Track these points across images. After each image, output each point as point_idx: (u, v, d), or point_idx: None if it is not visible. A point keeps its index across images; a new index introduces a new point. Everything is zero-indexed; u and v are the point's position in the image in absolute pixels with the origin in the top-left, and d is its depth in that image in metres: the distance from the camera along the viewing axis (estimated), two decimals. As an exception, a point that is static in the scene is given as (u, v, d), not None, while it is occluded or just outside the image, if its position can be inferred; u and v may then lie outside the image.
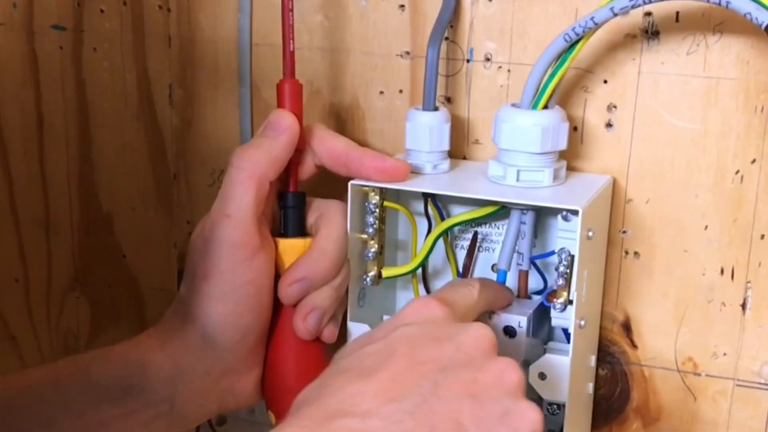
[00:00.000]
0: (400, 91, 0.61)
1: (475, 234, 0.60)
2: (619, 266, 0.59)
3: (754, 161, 0.55)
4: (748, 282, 0.57)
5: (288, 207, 0.56)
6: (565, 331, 0.56)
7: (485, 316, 0.54)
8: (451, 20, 0.58)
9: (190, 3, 0.65)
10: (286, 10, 0.55)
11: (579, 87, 0.57)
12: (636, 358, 0.60)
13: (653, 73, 0.56)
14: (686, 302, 0.58)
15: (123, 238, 0.73)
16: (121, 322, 0.75)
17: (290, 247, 0.56)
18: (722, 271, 0.57)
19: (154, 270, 0.72)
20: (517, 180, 0.54)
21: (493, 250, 0.60)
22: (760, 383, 0.58)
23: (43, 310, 0.77)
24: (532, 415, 0.41)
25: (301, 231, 0.57)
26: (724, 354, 0.58)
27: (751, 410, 0.58)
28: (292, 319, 0.56)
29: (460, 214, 0.58)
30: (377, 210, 0.56)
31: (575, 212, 0.50)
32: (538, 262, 0.57)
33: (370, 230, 0.56)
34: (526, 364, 0.54)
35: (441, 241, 0.58)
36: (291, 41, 0.55)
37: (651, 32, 0.55)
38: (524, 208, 0.55)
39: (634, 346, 0.60)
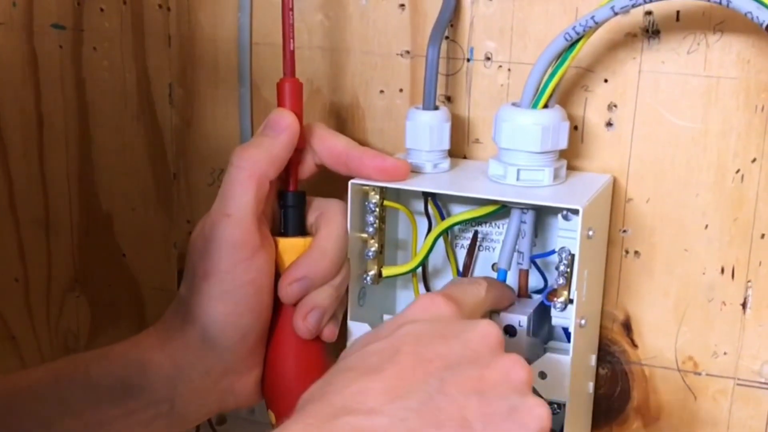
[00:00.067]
0: (401, 90, 0.61)
1: (476, 233, 0.60)
2: (619, 265, 0.59)
3: (754, 160, 0.55)
4: (749, 281, 0.57)
5: (288, 206, 0.56)
6: (566, 331, 0.56)
7: (487, 315, 0.54)
8: (451, 19, 0.58)
9: (190, 2, 0.65)
10: (286, 9, 0.55)
11: (579, 86, 0.57)
12: (636, 357, 0.60)
13: (654, 72, 0.56)
14: (686, 301, 0.58)
15: (123, 238, 0.73)
16: (121, 321, 0.75)
17: (290, 246, 0.56)
18: (722, 271, 0.57)
19: (154, 270, 0.72)
20: (518, 179, 0.54)
21: (494, 249, 0.60)
22: (761, 382, 0.58)
23: (43, 310, 0.77)
24: (540, 411, 0.41)
25: (301, 230, 0.57)
26: (725, 353, 0.58)
27: (752, 409, 0.58)
28: (292, 318, 0.55)
29: (460, 213, 0.58)
30: (377, 209, 0.56)
31: (575, 211, 0.50)
32: (538, 261, 0.57)
33: (371, 229, 0.56)
34: (526, 364, 0.54)
35: (441, 240, 0.58)
36: (291, 40, 0.55)
37: (651, 31, 0.55)
38: (524, 208, 0.55)
39: (634, 345, 0.60)
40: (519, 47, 0.58)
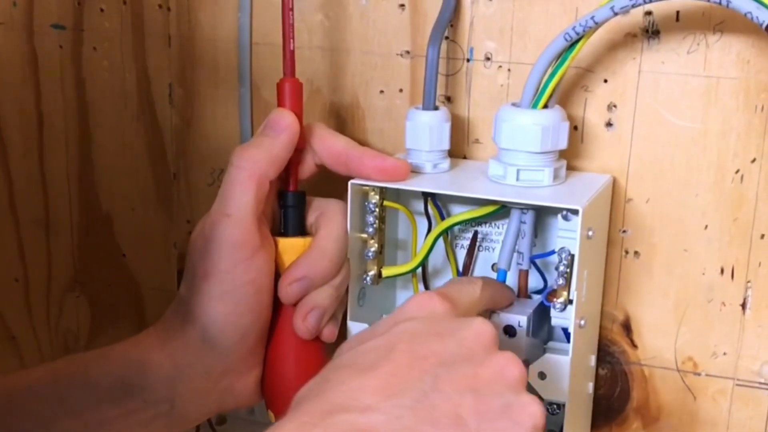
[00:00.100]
0: (400, 91, 0.61)
1: (475, 233, 0.60)
2: (619, 266, 0.59)
3: (754, 160, 0.55)
4: (748, 282, 0.57)
5: (288, 206, 0.56)
6: (565, 331, 0.56)
7: (486, 315, 0.54)
8: (451, 19, 0.58)
9: (190, 2, 0.65)
10: (286, 9, 0.55)
11: (579, 86, 0.57)
12: (636, 357, 0.60)
13: (653, 72, 0.56)
14: (686, 302, 0.58)
15: (123, 238, 0.73)
16: (121, 322, 0.75)
17: (290, 246, 0.56)
18: (722, 271, 0.57)
19: (154, 270, 0.72)
20: (517, 179, 0.54)
21: (493, 249, 0.59)
22: (760, 383, 0.58)
23: (42, 310, 0.77)
24: (534, 408, 0.41)
25: (301, 230, 0.57)
26: (724, 354, 0.58)
27: (751, 410, 0.58)
28: (292, 318, 0.55)
29: (460, 213, 0.58)
30: (377, 209, 0.56)
31: (575, 212, 0.50)
32: (538, 261, 0.57)
33: (370, 229, 0.56)
34: (526, 364, 0.54)
35: (441, 240, 0.58)
36: (291, 40, 0.55)
37: (651, 31, 0.55)
38: (524, 208, 0.55)
39: (634, 345, 0.60)
40: (519, 47, 0.58)
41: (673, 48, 0.55)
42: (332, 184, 0.57)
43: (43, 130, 0.72)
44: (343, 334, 0.57)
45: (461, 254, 0.60)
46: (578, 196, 0.52)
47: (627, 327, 0.60)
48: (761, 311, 0.57)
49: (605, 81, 0.57)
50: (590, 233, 0.52)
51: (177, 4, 0.65)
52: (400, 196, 0.58)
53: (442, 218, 0.58)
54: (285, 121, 0.54)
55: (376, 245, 0.56)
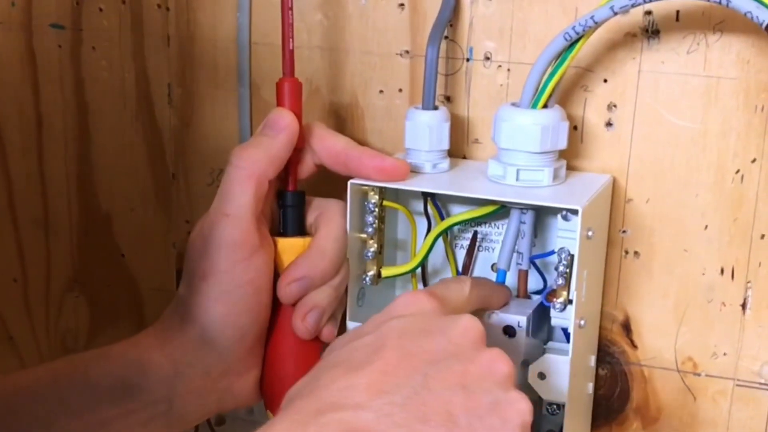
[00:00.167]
0: (400, 90, 0.61)
1: (475, 233, 0.59)
2: (618, 266, 0.59)
3: (754, 161, 0.55)
4: (748, 282, 0.56)
5: (287, 206, 0.56)
6: (565, 331, 0.55)
7: (484, 315, 0.54)
8: (450, 19, 0.58)
9: (189, 2, 0.65)
10: (286, 9, 0.55)
11: (579, 86, 0.57)
12: (636, 358, 0.60)
13: (653, 72, 0.55)
14: (686, 302, 0.58)
15: (122, 238, 0.72)
16: (120, 322, 0.74)
17: (289, 246, 0.56)
18: (722, 271, 0.57)
19: (153, 270, 0.72)
20: (517, 179, 0.54)
21: (493, 249, 0.59)
22: (760, 383, 0.58)
23: (41, 310, 0.77)
24: (522, 405, 0.41)
25: (301, 230, 0.57)
26: (724, 354, 0.58)
27: (751, 410, 0.58)
28: (291, 318, 0.55)
29: (459, 213, 0.58)
30: (376, 209, 0.56)
31: (575, 212, 0.50)
32: (537, 261, 0.57)
33: (370, 229, 0.56)
34: (525, 364, 0.54)
35: (440, 240, 0.58)
36: (290, 40, 0.55)
37: (651, 31, 0.55)
38: (524, 208, 0.55)
39: (633, 346, 0.60)
40: (518, 47, 0.58)
41: (673, 48, 0.55)
42: (332, 183, 0.57)
43: (42, 130, 0.72)
44: (342, 334, 0.57)
45: (461, 254, 0.60)
46: (578, 196, 0.52)
47: (627, 327, 0.60)
48: (761, 311, 0.57)
49: (605, 81, 0.57)
50: (590, 233, 0.52)
51: (176, 3, 0.65)
52: (399, 196, 0.58)
53: (442, 218, 0.58)
54: (284, 120, 0.54)
55: (376, 245, 0.56)
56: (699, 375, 0.59)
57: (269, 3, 0.62)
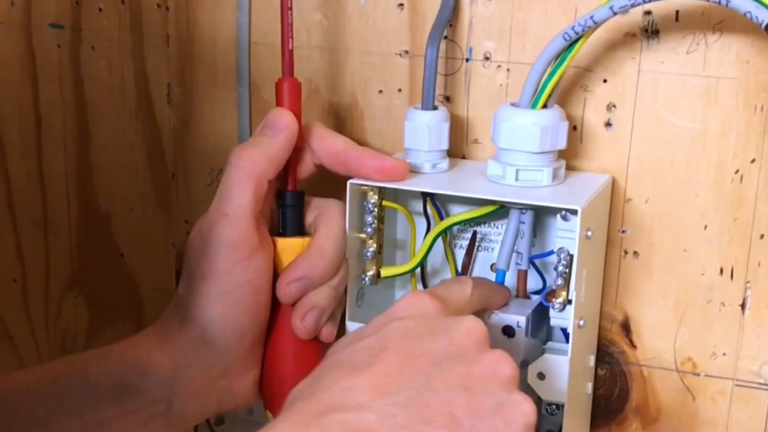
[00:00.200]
0: (399, 90, 0.61)
1: (474, 233, 0.59)
2: (618, 266, 0.59)
3: (753, 161, 0.55)
4: (748, 282, 0.56)
5: (286, 206, 0.56)
6: (564, 331, 0.55)
7: (484, 315, 0.54)
8: (450, 19, 0.58)
9: (189, 1, 0.65)
10: (285, 9, 0.54)
11: (578, 86, 0.57)
12: (635, 358, 0.60)
13: (653, 72, 0.55)
14: (686, 302, 0.58)
15: (121, 238, 0.72)
16: (119, 322, 0.74)
17: (289, 246, 0.56)
18: (722, 271, 0.57)
19: (153, 270, 0.72)
20: (516, 179, 0.54)
21: (492, 249, 0.59)
22: (760, 383, 0.58)
23: (41, 310, 0.77)
24: (526, 406, 0.41)
25: (300, 230, 0.57)
26: (724, 354, 0.58)
27: (751, 410, 0.58)
28: (290, 318, 0.55)
29: (459, 213, 0.58)
30: (376, 209, 0.56)
31: (574, 212, 0.50)
32: (537, 261, 0.57)
33: (369, 229, 0.56)
34: (524, 364, 0.54)
35: (440, 240, 0.58)
36: (290, 40, 0.55)
37: (651, 31, 0.55)
38: (523, 208, 0.55)
39: (633, 346, 0.60)
40: (518, 47, 0.58)
41: (672, 48, 0.55)
42: (331, 183, 0.57)
43: (41, 130, 0.72)
44: (341, 334, 0.57)
45: (460, 254, 0.60)
46: (577, 196, 0.52)
47: (626, 327, 0.60)
48: (761, 311, 0.57)
49: (604, 81, 0.57)
50: (589, 233, 0.52)
51: (175, 3, 0.65)
52: (398, 196, 0.58)
53: (441, 218, 0.58)
54: (283, 120, 0.54)
55: (375, 245, 0.56)
56: (698, 375, 0.59)
57: (269, 3, 0.62)
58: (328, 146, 0.56)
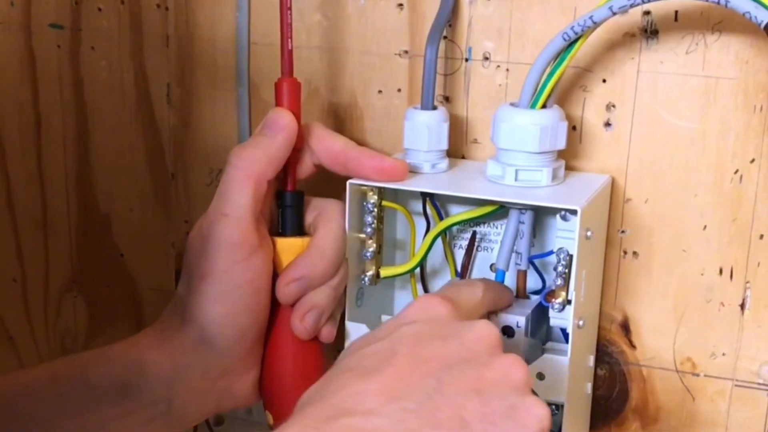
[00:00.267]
0: (399, 90, 0.61)
1: (474, 233, 0.59)
2: (617, 266, 0.59)
3: (753, 161, 0.55)
4: (747, 282, 0.56)
5: (286, 206, 0.56)
6: (564, 331, 0.55)
7: (485, 316, 0.54)
8: (449, 19, 0.58)
9: (188, 2, 0.65)
10: (285, 9, 0.54)
11: (578, 86, 0.57)
12: (634, 358, 0.60)
13: (652, 72, 0.55)
14: (685, 302, 0.58)
15: (121, 238, 0.72)
16: (119, 322, 0.74)
17: (288, 246, 0.56)
18: (721, 271, 0.57)
19: (152, 270, 0.72)
20: (516, 179, 0.54)
21: (492, 249, 0.59)
22: (759, 383, 0.58)
23: (40, 310, 0.77)
24: (539, 410, 0.40)
25: (299, 230, 0.57)
26: (723, 354, 0.58)
27: (750, 410, 0.58)
28: (290, 318, 0.55)
29: (458, 213, 0.58)
30: (375, 209, 0.56)
31: (574, 212, 0.50)
32: (536, 261, 0.57)
33: (369, 230, 0.56)
34: (524, 364, 0.54)
35: (439, 240, 0.58)
36: (289, 40, 0.55)
37: (650, 31, 0.55)
38: (523, 208, 0.55)
39: (632, 346, 0.60)
40: (517, 47, 0.58)
41: (671, 48, 0.55)
42: (330, 184, 0.57)
43: (41, 130, 0.72)
44: (341, 334, 0.57)
45: (460, 254, 0.60)
46: (577, 196, 0.52)
47: (626, 327, 0.60)
48: (760, 312, 0.57)
49: (604, 81, 0.57)
50: (589, 233, 0.52)
51: (175, 3, 0.65)
52: (398, 196, 0.58)
53: (441, 218, 0.58)
54: (283, 120, 0.54)
55: (375, 245, 0.56)
56: (698, 375, 0.59)
57: (268, 3, 0.62)
58: (328, 146, 0.56)
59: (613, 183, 0.57)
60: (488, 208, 0.56)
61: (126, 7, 0.67)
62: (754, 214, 0.55)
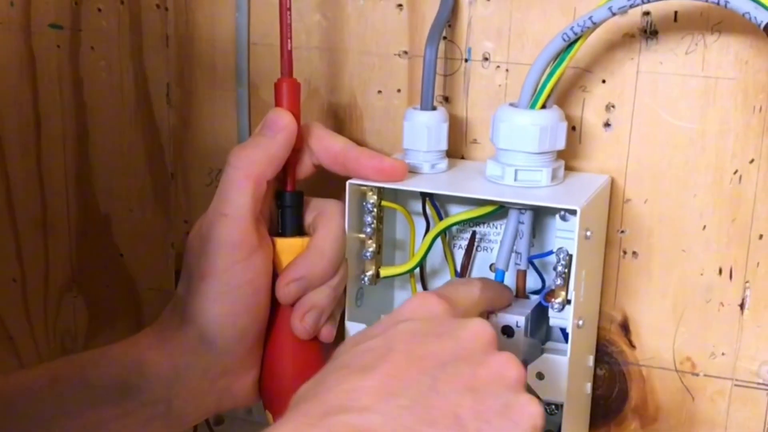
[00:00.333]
0: (398, 91, 0.61)
1: (473, 234, 0.60)
2: (617, 266, 0.59)
3: (752, 161, 0.55)
4: (747, 282, 0.57)
5: (286, 206, 0.56)
6: (563, 331, 0.55)
7: (484, 316, 0.54)
8: (449, 20, 0.58)
9: (188, 2, 0.65)
10: (284, 9, 0.54)
11: (577, 86, 0.57)
12: (634, 358, 0.60)
13: (652, 72, 0.56)
14: (684, 302, 0.58)
15: (120, 238, 0.72)
16: (118, 322, 0.74)
17: (288, 246, 0.56)
18: (720, 271, 0.57)
19: (152, 270, 0.72)
20: (515, 180, 0.54)
21: (491, 249, 0.59)
22: (759, 383, 0.58)
23: (40, 310, 0.77)
24: (533, 408, 0.41)
25: (299, 230, 0.57)
26: (723, 354, 0.58)
27: (750, 410, 0.58)
28: (289, 318, 0.55)
29: (458, 213, 0.58)
30: (375, 209, 0.56)
31: (573, 212, 0.50)
32: (536, 261, 0.57)
33: (368, 230, 0.56)
34: (524, 364, 0.53)
35: (439, 240, 0.58)
36: (289, 40, 0.55)
37: (649, 32, 0.55)
38: (522, 208, 0.55)
39: (632, 346, 0.60)
40: (517, 48, 0.58)
41: (671, 48, 0.55)
42: (330, 184, 0.57)
43: (40, 131, 0.72)
44: (341, 334, 0.57)
45: (459, 254, 0.60)
46: (576, 196, 0.52)
47: (625, 327, 0.60)
48: (759, 311, 0.57)
49: (603, 81, 0.57)
50: (588, 233, 0.52)
51: (174, 3, 0.65)
52: (398, 196, 0.58)
53: (440, 218, 0.58)
54: (282, 120, 0.54)
55: (374, 245, 0.56)
56: (697, 375, 0.59)
57: (268, 3, 0.62)
58: (327, 146, 0.56)
59: (613, 183, 0.57)
60: (488, 208, 0.56)
61: (126, 8, 0.67)
62: (754, 214, 0.55)
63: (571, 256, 0.51)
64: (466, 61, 0.59)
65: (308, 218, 0.57)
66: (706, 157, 0.56)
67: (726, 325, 0.57)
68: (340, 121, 0.63)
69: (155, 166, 0.69)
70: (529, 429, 0.40)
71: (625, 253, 0.58)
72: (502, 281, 0.56)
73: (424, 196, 0.58)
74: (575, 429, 0.57)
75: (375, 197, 0.55)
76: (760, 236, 0.56)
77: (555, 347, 0.57)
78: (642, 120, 0.56)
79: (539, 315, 0.56)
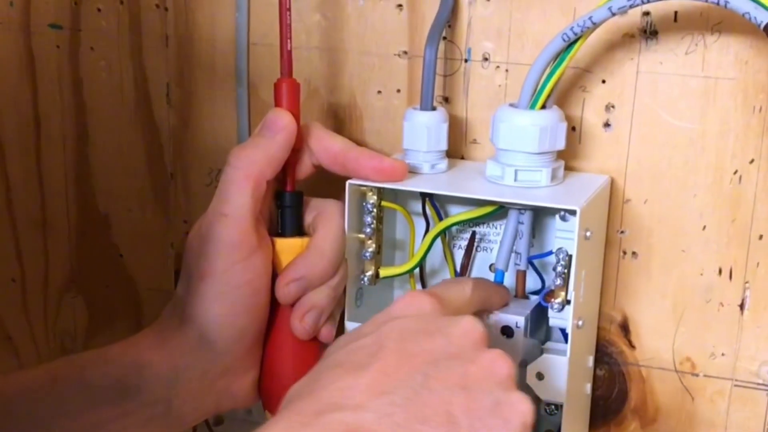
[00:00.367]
0: (398, 91, 0.61)
1: (473, 234, 0.59)
2: (617, 266, 0.59)
3: (752, 161, 0.55)
4: (747, 282, 0.57)
5: (285, 206, 0.56)
6: (563, 331, 0.55)
7: (483, 316, 0.54)
8: (449, 20, 0.58)
9: (188, 2, 0.65)
10: (284, 10, 0.54)
11: (577, 87, 0.57)
12: (634, 358, 0.60)
13: (651, 72, 0.55)
14: (684, 302, 0.58)
15: (120, 238, 0.72)
16: (118, 322, 0.74)
17: (287, 246, 0.56)
18: (720, 272, 0.57)
19: (151, 270, 0.72)
20: (515, 180, 0.54)
21: (491, 250, 0.59)
22: (758, 383, 0.58)
23: (39, 310, 0.77)
24: (524, 406, 0.41)
25: (299, 230, 0.57)
26: (722, 354, 0.58)
27: (749, 411, 0.58)
28: (289, 318, 0.55)
29: (457, 214, 0.58)
30: (375, 210, 0.56)
31: (573, 212, 0.50)
32: (535, 262, 0.57)
33: (368, 230, 0.56)
34: (523, 364, 0.54)
35: (439, 240, 0.58)
36: (288, 40, 0.55)
37: (649, 32, 0.55)
38: (522, 208, 0.55)
39: (631, 346, 0.60)
40: (517, 48, 0.58)
41: (671, 48, 0.55)
42: (330, 184, 0.57)
43: (40, 131, 0.72)
44: (340, 334, 0.57)
45: (459, 255, 0.60)
46: (576, 196, 0.52)
47: (625, 327, 0.60)
48: (759, 312, 0.57)
49: (603, 81, 0.57)
50: (588, 234, 0.52)
51: (174, 4, 0.65)
52: (397, 196, 0.58)
53: (440, 219, 0.58)
54: (282, 121, 0.54)
55: (374, 245, 0.56)
56: (697, 375, 0.59)
57: (267, 3, 0.62)
58: (327, 147, 0.56)
59: (613, 183, 0.57)
60: (487, 209, 0.56)
61: (125, 8, 0.67)
62: (754, 214, 0.55)
63: (570, 256, 0.51)
64: (466, 61, 0.59)
65: (308, 218, 0.57)
66: (706, 157, 0.56)
67: (726, 326, 0.57)
68: (340, 121, 0.63)
69: (155, 166, 0.69)
70: (520, 426, 0.41)
71: (624, 253, 0.58)
72: (502, 281, 0.56)
73: (424, 197, 0.58)
74: (575, 429, 0.57)
75: (375, 197, 0.55)
76: (760, 236, 0.56)
77: (555, 347, 0.57)
78: (642, 120, 0.56)
79: (539, 315, 0.55)
